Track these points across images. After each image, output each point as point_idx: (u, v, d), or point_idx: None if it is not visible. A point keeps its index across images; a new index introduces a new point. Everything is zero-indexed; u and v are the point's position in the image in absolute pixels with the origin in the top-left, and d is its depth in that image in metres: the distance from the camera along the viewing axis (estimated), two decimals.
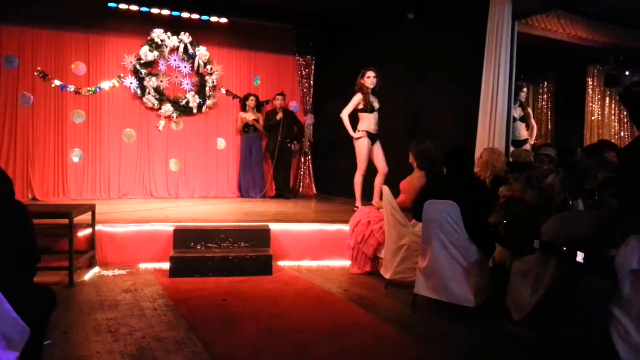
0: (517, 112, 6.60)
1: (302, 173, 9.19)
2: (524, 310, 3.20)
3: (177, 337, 3.27)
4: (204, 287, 4.50)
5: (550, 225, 3.17)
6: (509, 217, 3.77)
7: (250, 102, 8.45)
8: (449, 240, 3.64)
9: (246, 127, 8.40)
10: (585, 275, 2.84)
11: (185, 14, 8.02)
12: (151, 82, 8.07)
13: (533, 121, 7.13)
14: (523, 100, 7.06)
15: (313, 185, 9.21)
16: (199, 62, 8.33)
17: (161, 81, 8.19)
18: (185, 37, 8.23)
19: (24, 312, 2.13)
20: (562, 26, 6.25)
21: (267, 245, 5.31)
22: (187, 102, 8.31)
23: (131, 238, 5.26)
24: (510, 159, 5.20)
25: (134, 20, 7.89)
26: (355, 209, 5.91)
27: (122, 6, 7.56)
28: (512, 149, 5.78)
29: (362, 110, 6.17)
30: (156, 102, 8.12)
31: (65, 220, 4.45)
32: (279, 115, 8.22)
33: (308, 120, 9.07)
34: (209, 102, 8.45)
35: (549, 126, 8.52)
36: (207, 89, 8.43)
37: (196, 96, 8.36)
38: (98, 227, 5.17)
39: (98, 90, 7.89)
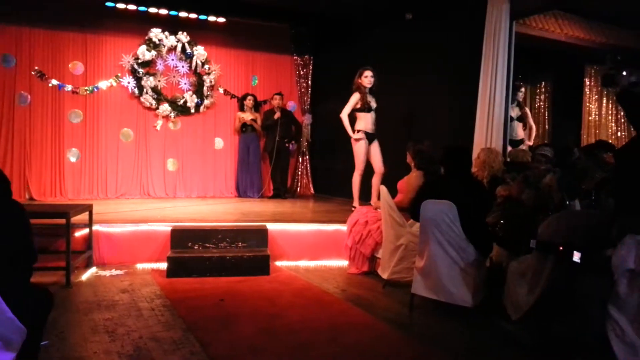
0: (514, 112, 6.62)
1: (299, 173, 9.19)
2: (521, 310, 3.21)
3: (174, 337, 3.27)
4: (202, 287, 4.50)
5: (547, 225, 3.17)
6: (506, 217, 3.78)
7: (248, 101, 8.45)
8: (447, 240, 3.65)
9: (244, 127, 8.40)
10: (582, 275, 2.85)
11: (183, 14, 8.00)
12: (149, 82, 8.06)
13: (532, 121, 7.14)
14: (521, 100, 7.08)
15: (311, 185, 9.21)
16: (196, 61, 8.32)
17: (159, 81, 8.18)
18: (183, 36, 8.22)
19: (21, 312, 2.12)
20: (559, 26, 6.27)
21: (265, 246, 5.31)
22: (185, 102, 8.30)
23: (128, 238, 5.25)
24: (508, 159, 5.21)
25: (131, 19, 7.87)
26: (353, 209, 5.91)
27: (120, 5, 7.54)
28: (509, 148, 5.80)
29: (360, 110, 6.17)
30: (154, 102, 8.11)
31: (63, 221, 4.44)
32: (277, 115, 8.22)
33: (306, 120, 9.06)
34: (206, 101, 8.44)
35: (547, 126, 8.55)
36: (204, 88, 8.42)
37: (194, 96, 8.35)
38: (95, 227, 5.16)
39: (95, 89, 7.88)
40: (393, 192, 4.78)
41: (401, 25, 7.06)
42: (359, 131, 6.16)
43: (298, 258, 5.50)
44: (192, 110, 8.36)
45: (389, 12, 7.20)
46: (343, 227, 5.46)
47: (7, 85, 7.39)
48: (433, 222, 3.69)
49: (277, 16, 8.27)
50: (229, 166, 8.69)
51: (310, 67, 9.14)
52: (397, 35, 7.17)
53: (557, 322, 3.02)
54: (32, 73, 7.52)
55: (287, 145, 8.45)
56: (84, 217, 5.02)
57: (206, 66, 8.40)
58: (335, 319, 3.73)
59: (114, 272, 4.94)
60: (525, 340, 3.18)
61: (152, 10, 7.78)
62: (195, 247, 5.14)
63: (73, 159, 7.77)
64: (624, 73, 7.35)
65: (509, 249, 3.72)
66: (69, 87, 7.72)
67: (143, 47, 7.97)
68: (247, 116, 8.39)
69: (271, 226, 5.51)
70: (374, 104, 6.19)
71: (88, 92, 7.83)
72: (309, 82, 9.12)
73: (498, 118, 5.45)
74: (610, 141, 6.95)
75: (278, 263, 5.37)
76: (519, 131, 6.72)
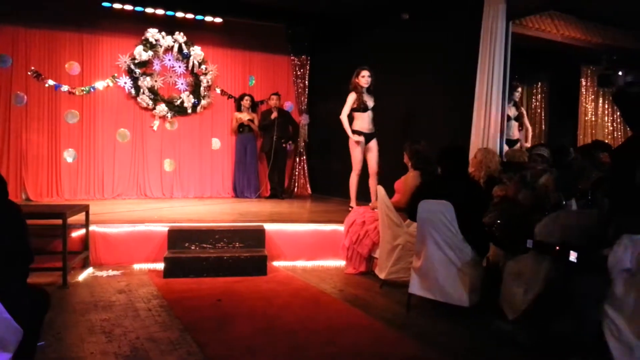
0: (512, 112, 6.63)
1: (297, 173, 9.19)
2: (517, 310, 3.22)
3: (171, 338, 3.26)
4: (199, 287, 4.49)
5: (544, 225, 3.18)
6: (503, 217, 3.78)
7: (245, 102, 8.45)
8: (444, 240, 3.65)
9: (241, 127, 8.39)
10: (578, 275, 2.86)
11: (179, 14, 7.99)
12: (145, 82, 8.04)
13: (527, 122, 7.15)
14: (517, 100, 7.09)
15: (308, 186, 9.21)
16: (193, 62, 8.31)
17: (155, 81, 8.17)
18: (180, 36, 8.21)
19: (17, 313, 2.12)
20: (555, 27, 6.29)
21: (262, 246, 5.31)
22: (182, 102, 8.29)
23: (125, 239, 5.24)
24: (504, 159, 5.22)
25: (128, 19, 7.85)
26: (350, 209, 5.92)
27: (117, 6, 7.52)
28: (506, 148, 5.81)
29: (356, 110, 6.17)
30: (150, 102, 8.10)
31: (59, 221, 4.44)
32: (274, 115, 8.22)
33: (303, 120, 9.06)
34: (203, 102, 8.43)
35: (543, 126, 8.57)
36: (201, 89, 8.41)
37: (191, 96, 8.34)
38: (92, 227, 5.15)
39: (92, 90, 7.86)
40: (390, 192, 4.79)
41: (398, 26, 7.06)
42: (356, 132, 6.16)
43: (295, 258, 5.50)
44: (189, 111, 8.36)
45: (386, 12, 7.21)
46: (340, 227, 5.46)
47: (3, 86, 7.37)
48: (430, 222, 3.70)
49: (274, 16, 8.27)
50: (226, 166, 8.68)
51: (307, 67, 9.14)
52: (394, 36, 7.18)
53: (554, 321, 3.02)
54: (29, 73, 7.50)
55: (284, 145, 8.44)
56: (80, 217, 5.01)
57: (203, 66, 8.39)
58: (332, 319, 3.73)
59: (111, 272, 4.93)
60: (522, 340, 3.18)
61: (149, 10, 7.77)
62: (193, 248, 5.13)
63: (69, 160, 7.75)
64: (620, 73, 7.39)
65: (506, 249, 3.72)
66: (65, 88, 7.70)
67: (140, 48, 7.96)
68: (245, 116, 8.39)
69: (268, 226, 5.51)
70: (371, 104, 6.19)
71: (84, 92, 7.81)
72: (306, 82, 9.12)
73: (495, 118, 5.46)
74: (606, 141, 6.97)
75: (275, 263, 5.37)
76: (515, 131, 6.73)
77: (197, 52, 8.32)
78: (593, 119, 8.35)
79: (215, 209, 6.92)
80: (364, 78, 6.14)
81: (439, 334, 3.48)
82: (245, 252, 5.13)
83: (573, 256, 2.79)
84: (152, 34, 8.01)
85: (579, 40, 6.64)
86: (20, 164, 7.45)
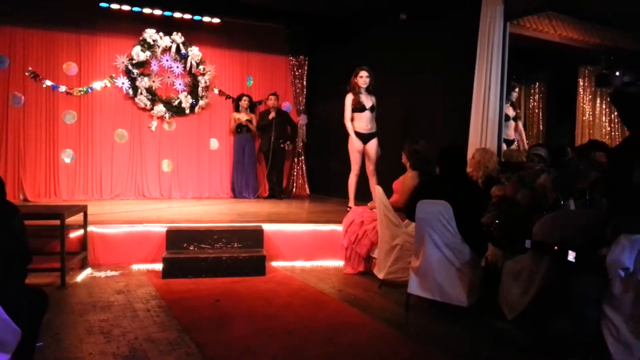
0: (510, 112, 6.64)
1: (295, 173, 9.19)
2: (516, 310, 3.22)
3: (170, 338, 3.26)
4: (197, 288, 4.49)
5: (542, 225, 3.19)
6: (501, 217, 3.79)
7: (244, 102, 8.44)
8: (442, 240, 3.66)
9: (239, 128, 8.39)
10: (576, 275, 2.86)
11: (177, 14, 7.99)
12: (143, 83, 8.04)
13: (521, 125, 7.14)
14: (514, 100, 7.10)
15: (306, 186, 9.21)
16: (191, 62, 8.31)
17: (153, 81, 8.16)
18: (178, 37, 8.20)
19: (16, 314, 2.12)
20: (553, 27, 6.30)
21: (261, 246, 5.31)
22: (180, 103, 8.28)
23: (123, 239, 5.24)
24: (502, 159, 5.23)
25: (126, 20, 7.85)
26: (349, 209, 5.92)
27: (114, 6, 7.51)
28: (504, 148, 5.82)
29: (354, 110, 6.17)
30: (148, 103, 8.09)
31: (57, 222, 4.42)
32: (272, 115, 8.21)
33: (301, 120, 9.06)
34: (201, 102, 8.43)
35: (541, 126, 8.58)
36: (199, 89, 8.41)
37: (189, 96, 8.34)
38: (90, 228, 5.14)
39: (90, 90, 7.85)
40: (389, 192, 4.79)
41: (397, 26, 7.07)
42: (355, 133, 6.17)
43: (294, 258, 5.50)
44: (187, 111, 8.35)
45: (383, 12, 7.22)
46: (339, 228, 5.46)
47: (1, 86, 7.36)
48: (428, 222, 3.70)
49: (271, 17, 8.28)
50: (224, 167, 8.68)
51: (306, 68, 9.14)
52: (392, 36, 7.19)
53: (552, 321, 3.02)
54: (26, 74, 7.49)
55: (282, 145, 8.44)
56: (78, 218, 5.00)
57: (201, 67, 8.39)
58: (331, 319, 3.73)
59: (109, 273, 4.92)
60: (521, 339, 3.18)
61: (147, 10, 7.76)
62: (191, 248, 5.13)
63: (67, 160, 7.73)
64: (618, 73, 7.40)
65: (504, 249, 3.73)
66: (63, 88, 7.68)
67: (137, 48, 7.95)
68: (243, 117, 8.39)
69: (267, 227, 5.51)
70: (369, 104, 6.18)
71: (82, 92, 7.80)
72: (304, 82, 9.12)
73: (492, 118, 5.47)
74: (604, 141, 6.98)
75: (274, 263, 5.37)
76: (510, 131, 6.74)
77: (195, 52, 8.32)
78: (591, 119, 8.36)
79: (213, 210, 6.91)
80: (362, 78, 6.15)
81: (437, 334, 3.48)
82: (243, 252, 5.13)
83: (571, 256, 2.80)
84: (149, 34, 8.01)
85: (576, 41, 6.66)
86: (18, 165, 7.44)
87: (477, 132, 5.52)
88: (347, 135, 6.26)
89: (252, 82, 8.93)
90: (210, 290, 4.41)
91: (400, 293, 4.20)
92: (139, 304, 3.98)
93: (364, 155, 6.26)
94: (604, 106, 8.46)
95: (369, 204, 5.33)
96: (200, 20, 8.19)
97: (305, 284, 4.69)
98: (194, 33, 8.33)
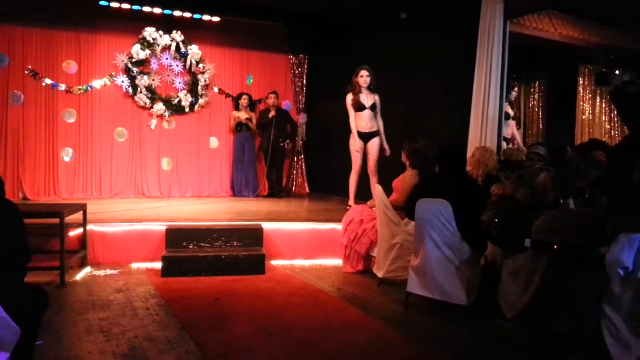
0: (509, 110, 6.64)
1: (294, 172, 9.18)
2: (515, 308, 3.22)
3: (169, 337, 3.26)
4: (197, 286, 4.49)
5: (542, 224, 3.19)
6: (501, 216, 3.79)
7: (243, 100, 8.44)
8: (441, 239, 3.66)
9: (239, 126, 8.39)
10: (576, 273, 2.87)
11: (177, 13, 7.97)
12: (143, 81, 8.03)
13: (514, 124, 7.13)
14: (513, 99, 7.09)
15: (306, 185, 9.20)
16: (191, 60, 8.30)
17: (153, 80, 8.15)
18: (177, 35, 8.19)
19: (15, 312, 2.11)
20: (553, 26, 6.30)
21: (260, 245, 5.31)
22: (179, 101, 8.27)
23: (123, 238, 5.23)
24: (502, 158, 5.23)
25: (125, 18, 7.84)
26: (348, 207, 5.92)
27: (114, 4, 7.50)
28: (504, 146, 5.82)
29: (354, 110, 6.17)
30: (148, 101, 8.08)
31: (57, 220, 4.42)
32: (272, 114, 8.21)
33: (301, 119, 9.05)
34: (201, 100, 8.42)
35: (540, 125, 8.59)
36: (199, 87, 8.40)
37: (188, 95, 8.33)
38: (89, 226, 5.14)
39: (89, 89, 7.84)
40: (388, 190, 4.79)
41: (397, 25, 7.06)
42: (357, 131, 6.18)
43: (293, 257, 5.50)
44: (187, 110, 8.34)
45: (384, 11, 7.21)
46: (338, 226, 5.46)
47: (0, 85, 7.34)
48: (428, 221, 3.70)
49: (271, 15, 8.26)
50: (224, 165, 8.67)
51: (305, 66, 9.13)
52: (393, 35, 7.18)
53: (552, 320, 3.03)
54: (26, 72, 7.47)
55: (282, 144, 8.44)
56: (78, 216, 5.00)
57: (200, 65, 8.38)
58: (330, 317, 3.73)
59: (109, 271, 4.92)
60: (520, 338, 3.19)
61: (146, 9, 7.74)
62: (190, 247, 5.13)
63: (67, 158, 7.73)
64: (617, 72, 7.41)
65: (504, 248, 3.73)
66: (62, 86, 7.67)
67: (137, 46, 7.94)
68: (243, 115, 8.38)
69: (266, 225, 5.51)
70: (369, 103, 6.18)
71: (82, 91, 7.79)
72: (304, 81, 9.11)
73: (492, 117, 5.47)
74: (604, 140, 6.99)
75: (273, 262, 5.37)
76: (508, 130, 6.73)
77: (194, 50, 8.30)
78: (590, 117, 8.37)
79: (213, 208, 6.91)
80: (362, 78, 6.15)
81: (436, 333, 3.49)
82: (243, 251, 5.13)
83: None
84: (149, 32, 8.00)
85: (576, 40, 6.65)
86: (18, 163, 7.43)
87: (477, 131, 5.51)
88: (347, 133, 6.26)
89: (251, 80, 8.92)
90: (210, 288, 4.41)
91: (399, 292, 4.20)
92: (138, 303, 3.98)
93: (364, 153, 6.25)
94: (603, 105, 8.47)
95: (368, 203, 5.33)
96: (200, 19, 8.17)
97: (305, 283, 4.69)
98: (193, 31, 8.32)
